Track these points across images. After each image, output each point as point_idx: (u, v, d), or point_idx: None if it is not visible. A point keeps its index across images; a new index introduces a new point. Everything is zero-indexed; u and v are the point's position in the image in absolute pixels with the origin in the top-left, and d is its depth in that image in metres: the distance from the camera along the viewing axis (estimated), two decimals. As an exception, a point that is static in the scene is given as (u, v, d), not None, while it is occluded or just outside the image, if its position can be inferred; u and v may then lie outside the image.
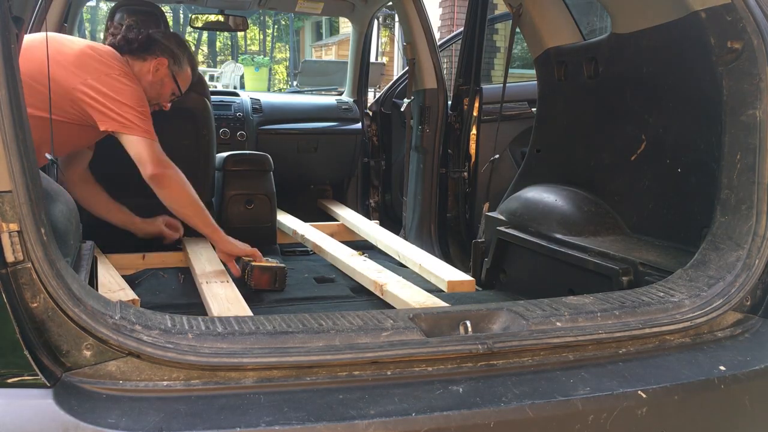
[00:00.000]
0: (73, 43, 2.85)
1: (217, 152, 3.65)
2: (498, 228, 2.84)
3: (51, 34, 2.86)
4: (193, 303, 2.65)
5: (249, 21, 4.75)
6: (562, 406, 1.36)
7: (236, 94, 4.75)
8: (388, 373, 1.41)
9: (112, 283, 2.61)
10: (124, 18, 3.16)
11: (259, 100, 4.67)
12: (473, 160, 3.68)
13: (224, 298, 2.50)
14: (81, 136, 2.79)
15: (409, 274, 3.06)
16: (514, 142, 3.93)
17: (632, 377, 1.47)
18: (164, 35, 3.02)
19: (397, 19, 7.86)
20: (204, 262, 2.97)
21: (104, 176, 3.15)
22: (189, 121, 3.39)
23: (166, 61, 2.96)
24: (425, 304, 2.40)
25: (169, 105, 3.06)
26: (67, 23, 3.61)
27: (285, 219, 4.02)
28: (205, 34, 24.12)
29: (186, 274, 3.03)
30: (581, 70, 2.68)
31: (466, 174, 3.71)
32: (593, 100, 2.66)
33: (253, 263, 2.82)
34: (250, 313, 2.36)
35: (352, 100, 4.87)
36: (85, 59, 2.73)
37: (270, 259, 2.95)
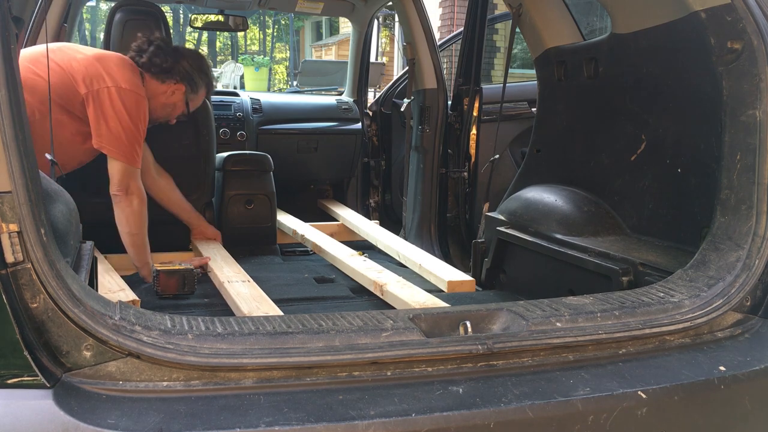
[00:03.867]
0: (88, 49, 2.93)
1: (217, 152, 3.65)
2: (498, 228, 2.84)
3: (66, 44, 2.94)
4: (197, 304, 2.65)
5: (249, 21, 4.74)
6: (562, 406, 1.36)
7: (236, 94, 4.75)
8: (388, 373, 1.41)
9: (111, 283, 2.61)
10: (125, 19, 3.16)
11: (259, 100, 4.67)
12: (473, 160, 3.68)
13: (250, 297, 2.52)
14: (86, 142, 2.81)
15: (409, 274, 3.06)
16: (514, 142, 3.93)
17: (632, 377, 1.47)
18: (192, 63, 3.03)
19: (397, 19, 7.85)
20: (220, 262, 3.00)
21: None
22: (189, 121, 3.38)
23: (183, 88, 3.00)
24: (425, 305, 2.40)
25: (174, 121, 3.12)
26: (66, 23, 3.61)
27: (285, 219, 4.02)
28: (205, 34, 24.13)
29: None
30: (581, 70, 2.68)
31: (466, 174, 3.71)
32: (593, 100, 2.66)
33: (158, 268, 2.78)
34: (279, 311, 2.37)
35: (352, 100, 4.87)
36: (98, 67, 2.77)
37: (181, 264, 2.84)
